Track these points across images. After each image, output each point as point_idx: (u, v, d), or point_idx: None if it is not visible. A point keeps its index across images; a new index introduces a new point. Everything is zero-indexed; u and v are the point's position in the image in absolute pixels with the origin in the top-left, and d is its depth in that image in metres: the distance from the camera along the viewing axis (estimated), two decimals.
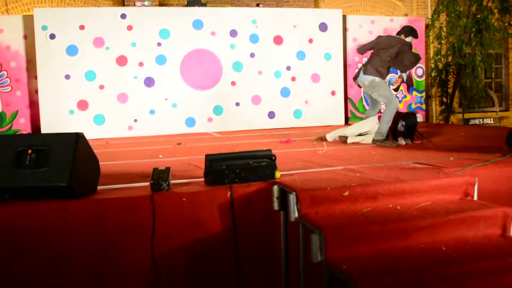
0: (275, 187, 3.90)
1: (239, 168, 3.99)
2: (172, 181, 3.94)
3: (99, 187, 3.90)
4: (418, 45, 12.11)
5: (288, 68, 10.71)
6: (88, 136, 4.03)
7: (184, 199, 3.72)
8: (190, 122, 10.16)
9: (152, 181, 3.79)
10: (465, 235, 3.62)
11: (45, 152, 3.57)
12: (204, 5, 10.73)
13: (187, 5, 10.58)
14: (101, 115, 9.70)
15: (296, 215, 3.66)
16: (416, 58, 7.24)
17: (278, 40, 10.64)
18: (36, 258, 3.44)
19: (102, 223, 3.55)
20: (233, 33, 10.36)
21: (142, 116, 9.88)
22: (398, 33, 7.34)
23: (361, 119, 11.35)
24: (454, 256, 3.25)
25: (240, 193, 3.85)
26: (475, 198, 4.11)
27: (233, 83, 10.39)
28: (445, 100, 12.05)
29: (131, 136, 9.70)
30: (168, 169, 4.04)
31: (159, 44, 9.96)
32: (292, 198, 3.68)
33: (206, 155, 4.07)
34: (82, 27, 9.58)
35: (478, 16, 11.24)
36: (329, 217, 3.55)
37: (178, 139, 8.59)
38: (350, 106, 11.44)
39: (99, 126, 9.68)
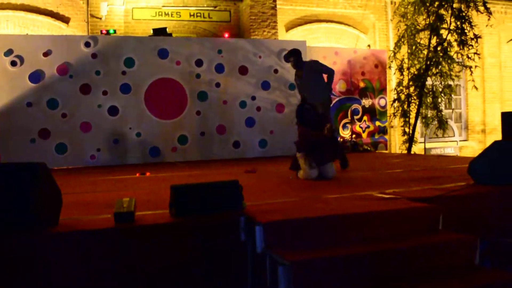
0: (242, 218, 3.84)
1: (205, 199, 3.93)
2: (137, 213, 3.84)
3: (61, 219, 3.78)
4: (381, 76, 12.36)
5: (253, 98, 10.75)
6: (50, 165, 3.92)
7: (149, 231, 3.62)
8: (155, 151, 10.06)
9: (115, 213, 3.68)
10: (429, 264, 3.62)
11: (4, 183, 3.45)
12: (170, 34, 10.75)
13: (153, 35, 10.57)
14: (63, 144, 9.52)
15: (263, 246, 3.61)
16: None
17: (243, 70, 10.69)
18: None
19: (63, 255, 3.43)
20: (199, 62, 10.36)
21: (106, 145, 9.74)
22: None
23: None
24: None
25: (206, 224, 3.78)
26: (440, 227, 4.13)
27: (198, 113, 10.35)
28: (407, 130, 12.24)
29: (94, 165, 9.52)
30: (132, 200, 3.95)
31: (123, 73, 9.88)
32: (258, 229, 3.63)
33: (171, 186, 3.99)
34: (45, 54, 9.45)
35: (438, 48, 11.53)
36: (297, 249, 3.51)
37: (142, 169, 8.46)
38: None
39: (61, 155, 9.49)
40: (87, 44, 9.70)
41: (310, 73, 7.79)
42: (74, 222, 3.80)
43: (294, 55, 7.88)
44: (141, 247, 3.59)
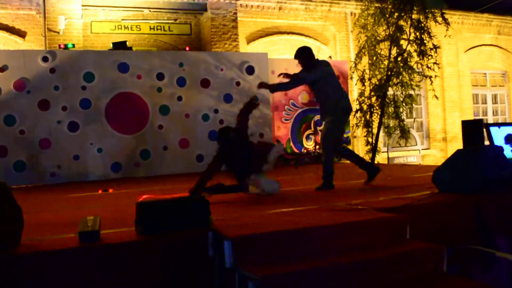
0: (210, 233, 3.83)
1: (172, 216, 3.90)
2: (102, 231, 3.78)
3: (23, 239, 3.69)
4: (343, 86, 12.48)
5: (216, 111, 10.74)
6: (9, 184, 3.83)
7: (115, 249, 3.57)
8: (116, 167, 9.93)
9: (80, 232, 3.62)
10: (398, 274, 3.67)
11: None
12: (130, 48, 10.68)
13: (112, 48, 10.48)
14: (21, 161, 9.32)
15: (232, 261, 3.60)
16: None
17: (205, 83, 10.67)
18: None
19: (26, 277, 3.35)
20: (160, 76, 10.31)
21: (66, 162, 9.58)
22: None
23: (289, 160, 11.54)
24: None
25: (173, 241, 3.75)
26: (408, 236, 4.18)
27: (160, 127, 10.29)
28: (370, 140, 12.39)
29: (54, 183, 9.35)
30: (96, 218, 3.89)
31: (83, 88, 9.76)
32: (227, 244, 3.62)
33: (137, 203, 3.96)
34: (1, 70, 9.27)
35: (399, 59, 11.74)
36: (266, 264, 3.51)
37: (105, 185, 8.35)
38: None
39: (20, 173, 9.29)
40: (45, 59, 9.54)
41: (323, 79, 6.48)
42: (37, 243, 3.72)
43: (300, 57, 6.55)
44: (107, 267, 3.54)
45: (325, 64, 6.57)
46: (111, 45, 10.67)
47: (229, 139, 6.04)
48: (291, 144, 11.79)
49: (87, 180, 9.61)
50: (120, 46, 10.51)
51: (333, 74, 6.56)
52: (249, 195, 6.11)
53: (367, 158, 12.59)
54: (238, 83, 10.95)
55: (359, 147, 14.41)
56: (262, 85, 6.62)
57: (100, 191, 7.58)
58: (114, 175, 9.90)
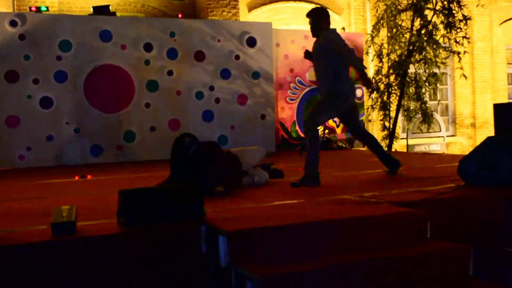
0: (203, 227, 3.85)
1: (159, 206, 3.92)
2: (78, 223, 3.80)
3: None
4: None
5: (211, 88, 10.73)
6: None
7: (93, 243, 3.60)
8: (97, 150, 9.96)
9: (53, 223, 3.64)
10: (417, 277, 3.70)
11: None
12: (114, 13, 10.64)
13: (93, 13, 10.44)
14: None
15: (228, 259, 3.62)
16: None
17: (199, 56, 10.65)
18: None
19: None
20: (148, 47, 10.29)
21: (37, 144, 9.59)
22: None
23: (294, 145, 11.57)
24: None
25: (161, 235, 3.77)
26: (428, 235, 4.21)
27: (147, 105, 10.29)
28: (387, 124, 12.39)
29: (23, 167, 9.37)
30: (72, 208, 3.92)
31: (58, 58, 9.73)
32: (222, 240, 3.64)
33: (120, 191, 3.97)
34: None
35: (422, 31, 11.70)
36: (267, 262, 3.54)
37: (82, 171, 8.38)
38: (281, 131, 11.58)
39: None
40: (12, 23, 9.51)
41: (321, 50, 6.39)
42: (6, 234, 3.75)
43: (312, 15, 6.52)
44: (84, 263, 3.56)
45: (332, 32, 6.44)
46: (91, 9, 10.64)
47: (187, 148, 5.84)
48: (297, 127, 11.80)
49: (62, 165, 9.63)
50: (102, 10, 10.48)
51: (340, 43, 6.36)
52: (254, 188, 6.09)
53: (383, 145, 12.60)
54: (237, 57, 10.93)
55: (375, 132, 14.42)
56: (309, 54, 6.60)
57: (77, 178, 7.60)
58: (93, 159, 9.92)
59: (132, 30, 10.26)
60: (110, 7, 10.77)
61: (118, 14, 11.17)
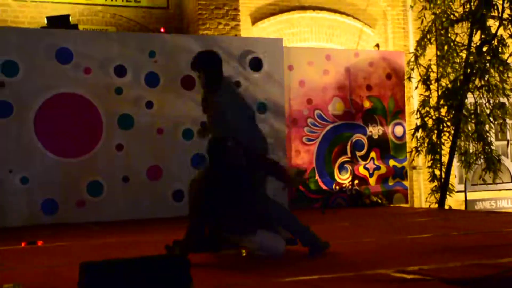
0: None
1: (131, 282, 3.92)
2: None
3: None
4: (396, 91, 12.49)
5: (203, 125, 10.76)
6: None
7: None
8: (50, 207, 9.96)
9: None
10: None
11: None
12: (75, 26, 10.71)
13: (48, 26, 10.51)
14: None
15: None
16: None
17: (188, 82, 10.70)
18: None
19: None
20: (120, 70, 10.36)
21: None
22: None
23: (314, 201, 11.53)
24: None
25: None
26: None
27: (119, 147, 10.33)
28: (438, 173, 12.34)
29: None
30: (17, 285, 3.92)
31: (0, 85, 9.79)
32: None
33: (81, 264, 3.98)
34: None
35: (484, 49, 11.72)
36: None
37: (31, 234, 8.37)
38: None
39: None
40: None
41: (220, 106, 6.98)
42: None
43: (200, 63, 7.05)
44: None
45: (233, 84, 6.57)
46: (45, 21, 10.73)
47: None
48: (317, 177, 11.80)
49: (5, 227, 9.61)
50: (59, 22, 10.56)
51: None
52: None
53: (433, 200, 12.47)
54: (237, 84, 10.98)
55: (421, 184, 14.39)
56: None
57: (23, 244, 7.57)
58: (46, 218, 9.91)
59: (99, 48, 10.35)
60: (71, 18, 10.86)
61: (80, 27, 11.29)
